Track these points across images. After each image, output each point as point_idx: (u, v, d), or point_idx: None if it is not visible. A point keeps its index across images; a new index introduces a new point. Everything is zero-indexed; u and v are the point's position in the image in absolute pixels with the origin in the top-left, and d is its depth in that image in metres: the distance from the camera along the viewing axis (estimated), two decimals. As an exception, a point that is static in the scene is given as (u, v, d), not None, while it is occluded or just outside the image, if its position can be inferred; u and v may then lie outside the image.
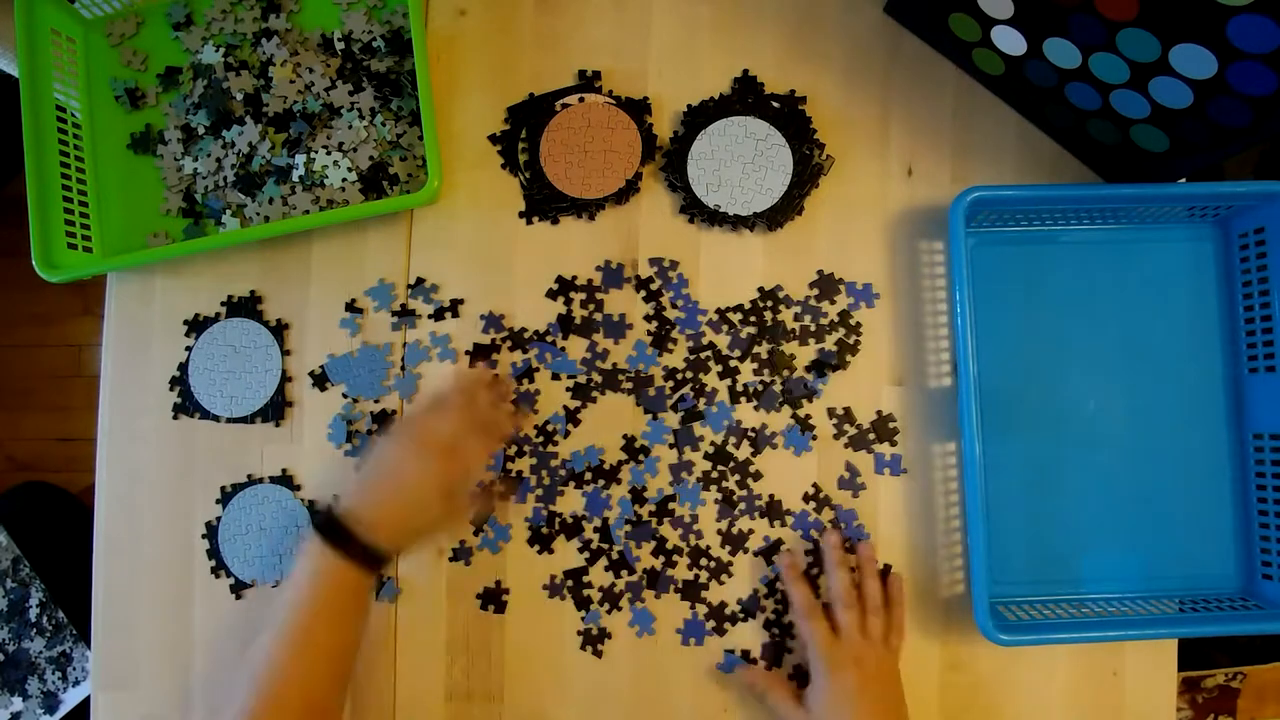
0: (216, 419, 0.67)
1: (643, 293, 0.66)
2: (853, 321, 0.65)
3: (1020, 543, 0.63)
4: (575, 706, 0.64)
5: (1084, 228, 0.65)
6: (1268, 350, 0.62)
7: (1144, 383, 0.65)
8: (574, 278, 0.66)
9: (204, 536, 0.66)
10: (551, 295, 0.66)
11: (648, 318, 0.66)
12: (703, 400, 0.65)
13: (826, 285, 0.65)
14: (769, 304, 0.65)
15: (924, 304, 0.66)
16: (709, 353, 0.65)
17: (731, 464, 0.64)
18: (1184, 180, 0.62)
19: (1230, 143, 0.51)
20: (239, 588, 0.66)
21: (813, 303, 0.65)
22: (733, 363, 0.65)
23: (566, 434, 0.65)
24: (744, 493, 0.64)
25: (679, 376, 0.65)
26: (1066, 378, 0.65)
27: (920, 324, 0.65)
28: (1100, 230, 0.65)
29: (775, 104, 0.66)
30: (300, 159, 0.66)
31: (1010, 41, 0.57)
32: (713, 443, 0.65)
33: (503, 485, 0.64)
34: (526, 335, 0.66)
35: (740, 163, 0.65)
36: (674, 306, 0.65)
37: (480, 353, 0.66)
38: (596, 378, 0.65)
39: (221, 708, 0.53)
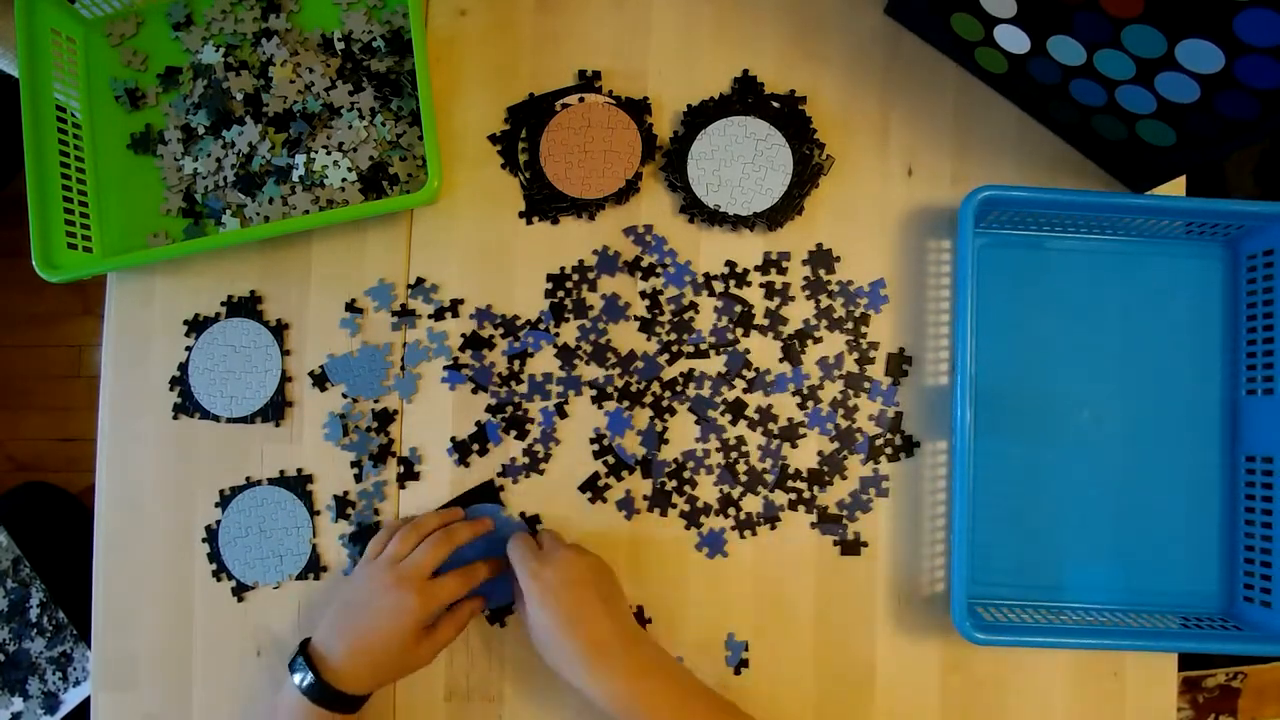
0: (216, 419, 0.67)
1: (638, 273, 0.66)
2: (855, 319, 0.65)
3: (1006, 545, 0.63)
4: (575, 706, 0.64)
5: (1091, 237, 0.65)
6: (1267, 373, 0.61)
7: (1141, 396, 0.64)
8: (562, 268, 0.66)
9: (204, 540, 0.66)
10: (548, 294, 0.66)
11: (644, 294, 0.66)
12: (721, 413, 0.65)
13: (820, 283, 0.66)
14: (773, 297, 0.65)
15: (924, 303, 0.65)
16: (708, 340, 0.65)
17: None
18: (1186, 175, 0.62)
19: (1238, 136, 0.51)
20: (240, 590, 0.66)
21: (822, 300, 0.65)
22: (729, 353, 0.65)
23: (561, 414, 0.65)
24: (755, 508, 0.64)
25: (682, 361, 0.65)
26: (1063, 385, 0.65)
27: (922, 322, 0.65)
28: (1107, 240, 0.65)
29: (775, 104, 0.66)
30: (300, 159, 0.66)
31: (1013, 40, 0.57)
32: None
33: (474, 606, 0.61)
34: (519, 323, 0.66)
35: (740, 163, 0.65)
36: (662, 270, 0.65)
37: (473, 343, 0.66)
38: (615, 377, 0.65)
39: None
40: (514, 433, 0.65)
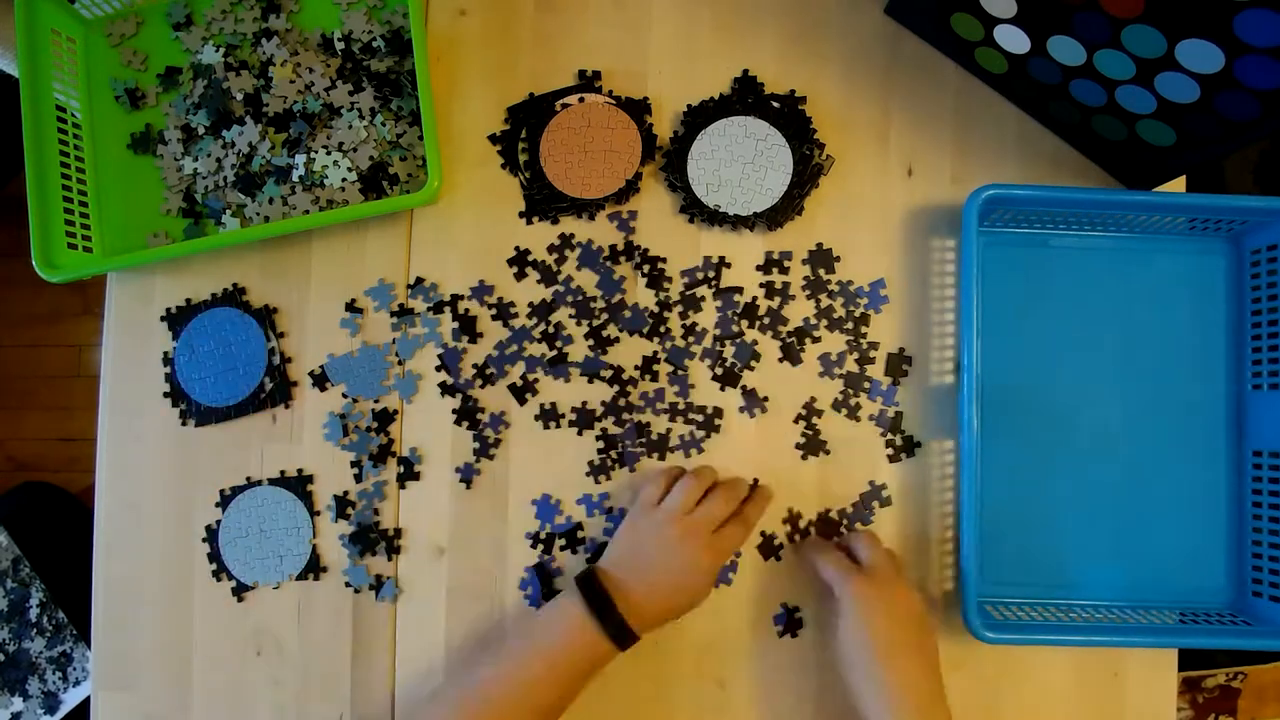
0: (216, 416, 0.67)
1: (643, 271, 0.66)
2: (855, 319, 0.65)
3: (1014, 544, 0.63)
4: (574, 707, 0.64)
5: (1094, 234, 0.65)
6: (1273, 368, 0.61)
7: (1146, 392, 0.64)
8: (528, 250, 0.66)
9: (204, 540, 0.66)
10: (515, 265, 0.66)
11: (639, 269, 0.66)
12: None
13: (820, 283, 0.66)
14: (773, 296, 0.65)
15: (926, 303, 0.65)
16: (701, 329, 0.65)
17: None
18: (1186, 175, 0.62)
19: (1238, 136, 0.51)
20: (240, 590, 0.66)
21: (822, 300, 0.65)
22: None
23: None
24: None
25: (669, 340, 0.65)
26: (1068, 382, 0.65)
27: (923, 322, 0.65)
28: (1110, 238, 0.65)
29: (775, 104, 0.66)
30: (300, 159, 0.66)
31: (1013, 40, 0.57)
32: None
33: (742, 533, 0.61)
34: (514, 310, 0.66)
35: (740, 163, 0.65)
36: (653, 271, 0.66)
37: (466, 326, 0.66)
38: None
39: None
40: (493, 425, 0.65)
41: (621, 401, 0.65)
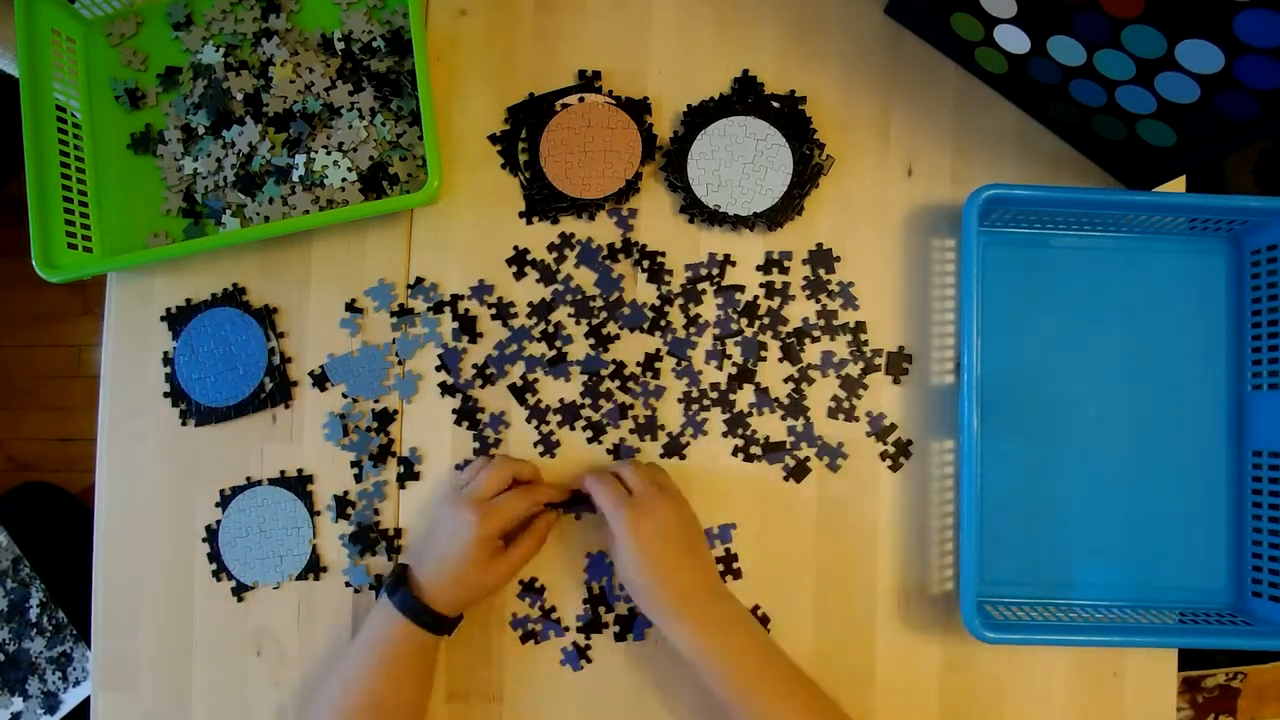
0: (216, 416, 0.67)
1: (644, 272, 0.66)
2: (853, 318, 0.65)
3: (1014, 543, 0.63)
4: (575, 707, 0.64)
5: (1094, 234, 0.65)
6: (1273, 368, 0.61)
7: (1146, 392, 0.64)
8: (526, 250, 0.66)
9: (204, 540, 0.66)
10: (514, 265, 0.66)
11: (636, 263, 0.66)
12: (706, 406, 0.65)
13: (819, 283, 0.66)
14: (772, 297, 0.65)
15: (925, 302, 0.66)
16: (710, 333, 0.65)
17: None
18: (1186, 175, 0.61)
19: (1238, 136, 0.51)
20: (240, 590, 0.66)
21: (821, 301, 0.65)
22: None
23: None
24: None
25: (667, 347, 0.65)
26: (1068, 382, 0.65)
27: (920, 321, 0.65)
28: (1110, 238, 0.65)
29: (775, 104, 0.66)
30: (300, 159, 0.66)
31: (1013, 40, 0.57)
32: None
33: (549, 519, 0.62)
34: (514, 309, 0.66)
35: (740, 163, 0.65)
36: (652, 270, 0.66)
37: (466, 326, 0.66)
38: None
39: None
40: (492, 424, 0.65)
41: (620, 396, 0.65)
